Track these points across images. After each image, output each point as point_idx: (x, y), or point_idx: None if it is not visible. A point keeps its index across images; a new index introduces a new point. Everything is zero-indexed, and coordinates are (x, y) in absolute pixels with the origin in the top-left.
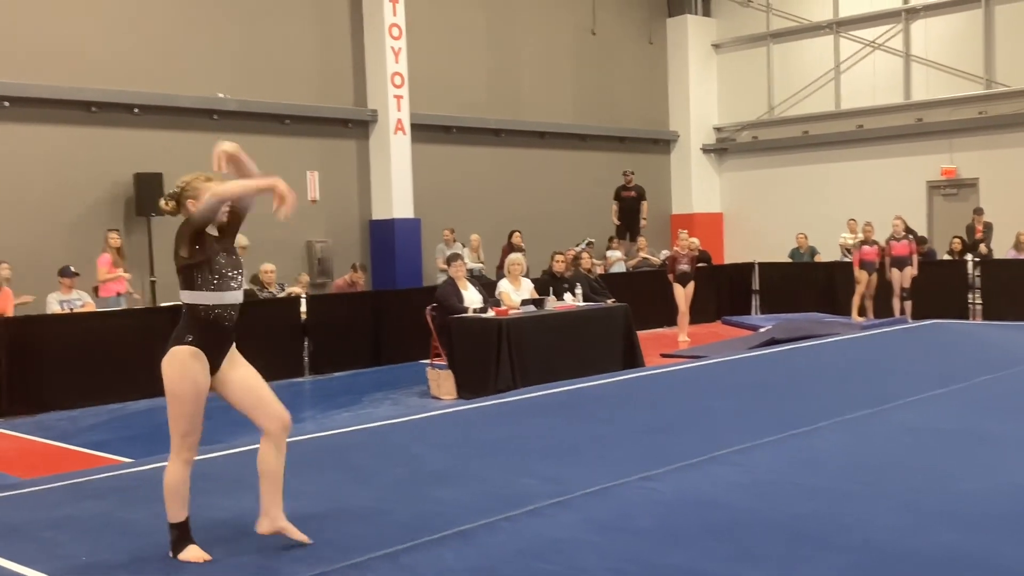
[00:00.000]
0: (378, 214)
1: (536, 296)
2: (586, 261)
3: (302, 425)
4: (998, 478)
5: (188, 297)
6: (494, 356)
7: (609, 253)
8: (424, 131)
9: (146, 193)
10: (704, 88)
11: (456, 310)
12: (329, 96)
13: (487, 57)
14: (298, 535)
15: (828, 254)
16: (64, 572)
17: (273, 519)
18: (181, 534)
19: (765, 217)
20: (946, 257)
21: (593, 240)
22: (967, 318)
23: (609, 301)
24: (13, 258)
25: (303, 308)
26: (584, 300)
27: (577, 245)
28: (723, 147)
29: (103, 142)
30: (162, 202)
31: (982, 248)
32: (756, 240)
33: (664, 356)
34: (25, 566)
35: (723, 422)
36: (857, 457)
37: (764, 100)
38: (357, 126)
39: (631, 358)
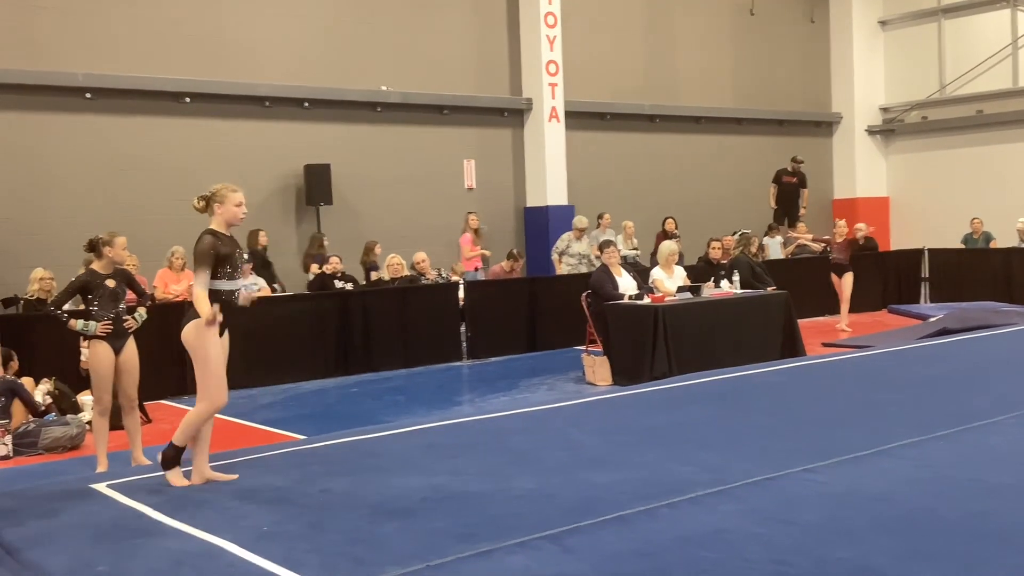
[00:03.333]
0: (532, 201)
1: (690, 283)
2: (754, 244)
3: (460, 408)
4: None
5: (212, 284)
6: (650, 343)
7: (766, 240)
8: (578, 118)
9: (315, 184)
10: (869, 67)
11: (611, 296)
12: (486, 86)
13: (643, 42)
14: (225, 476)
15: (1004, 240)
16: (248, 540)
17: (203, 471)
18: (177, 455)
19: (935, 201)
20: None
21: (748, 231)
22: None
23: (769, 289)
24: (190, 245)
25: (461, 294)
26: (744, 287)
27: (733, 234)
28: (890, 128)
29: (275, 135)
30: (195, 200)
31: None
32: (925, 225)
33: (826, 345)
34: (212, 534)
35: (892, 414)
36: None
37: (934, 78)
38: (512, 114)
39: (791, 347)
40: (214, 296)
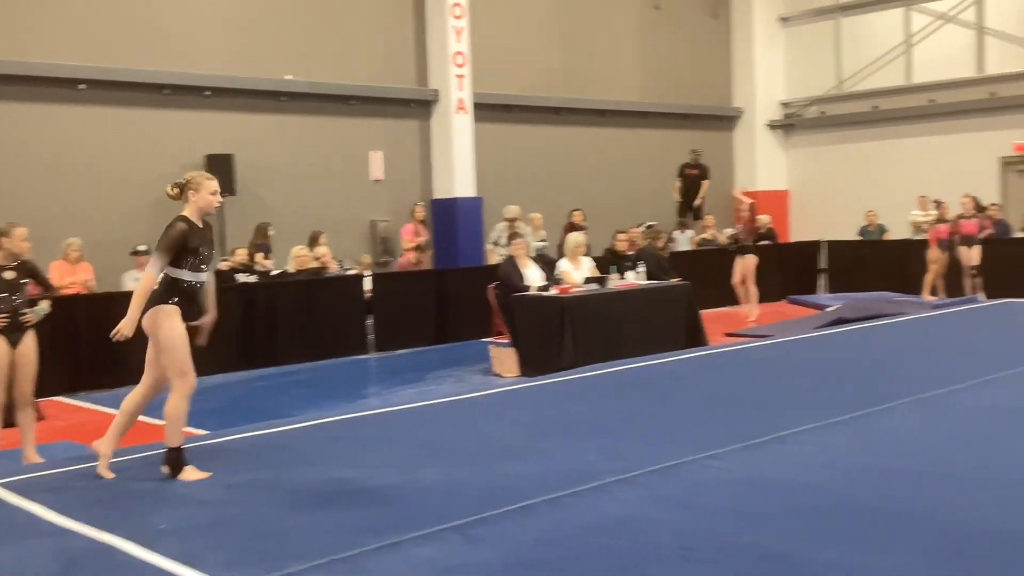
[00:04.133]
0: (440, 193)
1: (598, 275)
2: (661, 239)
3: (367, 401)
4: None
5: (173, 272)
6: (557, 334)
7: (675, 234)
8: (486, 110)
9: (218, 174)
10: (770, 63)
11: (518, 288)
12: (392, 76)
13: (550, 35)
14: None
15: (898, 232)
16: (146, 538)
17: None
18: (181, 457)
19: (833, 194)
20: (1020, 235)
21: (654, 223)
22: None
23: (672, 280)
24: (87, 236)
25: (367, 286)
26: (650, 278)
27: (639, 226)
28: (790, 123)
29: (176, 124)
30: (169, 188)
31: None
32: (823, 218)
33: (729, 335)
34: (109, 532)
35: (790, 402)
36: (931, 437)
37: (832, 74)
38: (419, 106)
39: (694, 337)
40: (174, 285)
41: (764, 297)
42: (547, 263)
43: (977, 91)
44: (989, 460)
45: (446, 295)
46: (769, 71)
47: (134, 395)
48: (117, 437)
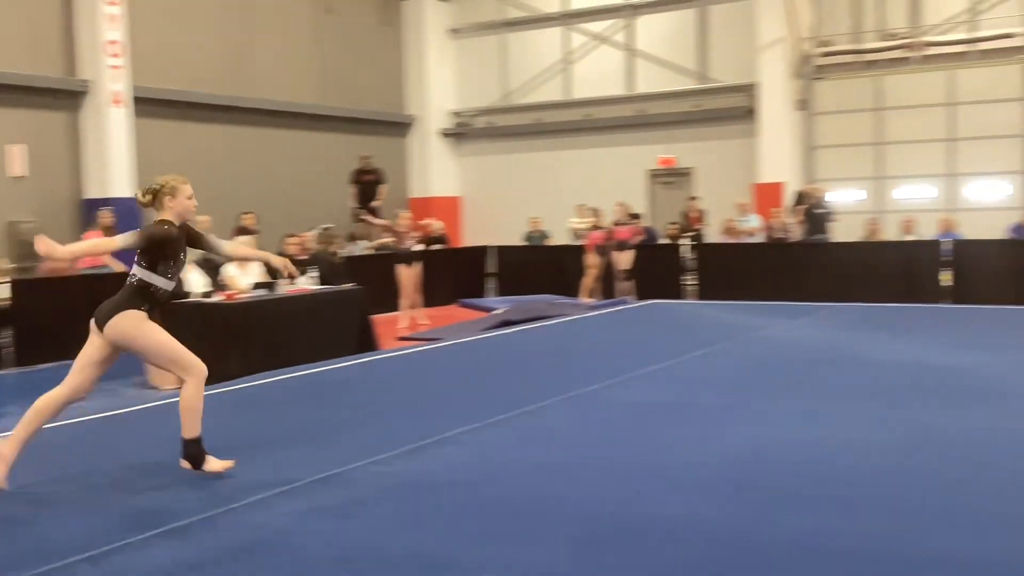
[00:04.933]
0: (93, 192)
1: (267, 279)
2: (335, 243)
3: (4, 422)
4: (713, 446)
5: (147, 277)
6: (221, 342)
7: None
8: (149, 105)
9: None
10: (441, 72)
11: (178, 296)
12: (36, 63)
13: (218, 30)
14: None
15: (560, 237)
16: None
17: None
18: (199, 447)
19: (501, 201)
20: (665, 241)
21: (330, 226)
22: (683, 298)
23: (345, 285)
24: None
25: (4, 294)
26: (323, 283)
27: (311, 230)
28: (461, 132)
29: None
30: (139, 194)
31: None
32: (493, 224)
33: (401, 339)
34: None
35: (455, 403)
36: (584, 433)
37: (500, 87)
38: (68, 97)
39: (366, 342)
40: (146, 291)
41: (437, 300)
42: (212, 268)
43: (628, 108)
44: (635, 453)
45: (99, 302)
46: (440, 81)
47: (52, 395)
48: (25, 441)
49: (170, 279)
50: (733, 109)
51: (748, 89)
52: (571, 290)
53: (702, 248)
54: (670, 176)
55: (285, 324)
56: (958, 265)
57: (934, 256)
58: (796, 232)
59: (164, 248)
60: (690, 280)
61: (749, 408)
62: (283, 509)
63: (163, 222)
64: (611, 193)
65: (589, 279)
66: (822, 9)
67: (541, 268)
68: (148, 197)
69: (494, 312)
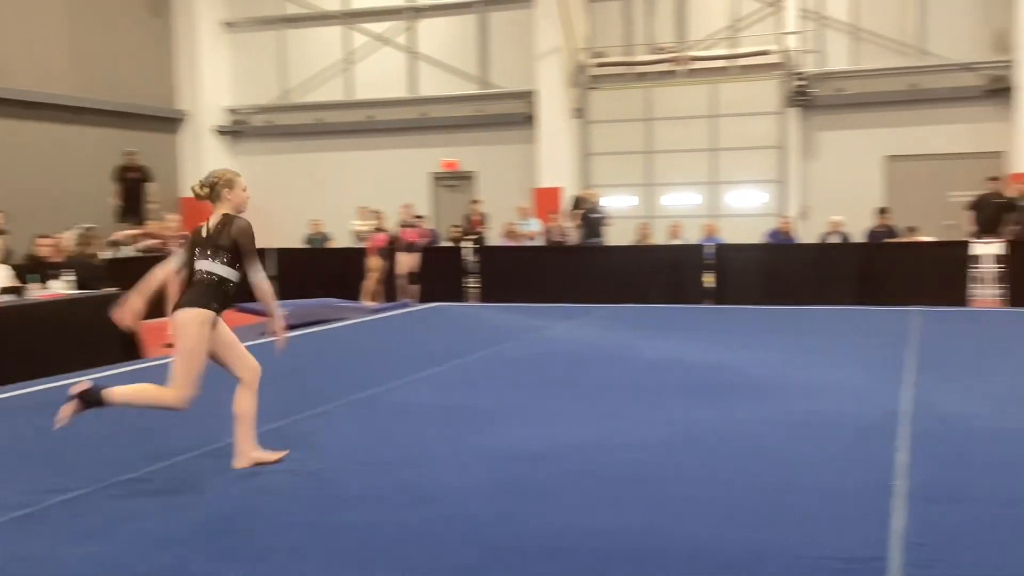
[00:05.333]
0: None
1: (17, 284)
2: (94, 244)
3: None
4: (489, 447)
5: (223, 272)
6: None
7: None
8: None
9: None
10: (215, 67)
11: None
12: None
13: None
14: (273, 455)
15: (343, 240)
16: None
17: (248, 454)
18: (95, 398)
19: (281, 202)
20: (448, 244)
21: (91, 226)
22: (465, 300)
23: (107, 290)
24: None
25: None
26: (81, 287)
27: (69, 230)
28: (237, 130)
29: None
30: (197, 187)
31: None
32: (273, 226)
33: (168, 347)
34: None
35: (221, 413)
36: (361, 436)
37: (278, 84)
38: None
39: (130, 349)
40: (219, 285)
41: None
42: None
43: (411, 111)
44: (405, 454)
45: None
46: (214, 76)
47: (242, 396)
48: (245, 438)
49: (238, 271)
50: (514, 115)
51: (527, 96)
52: (353, 293)
53: (484, 251)
54: (453, 179)
55: (37, 332)
56: (720, 268)
57: (698, 259)
58: (573, 236)
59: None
60: (472, 282)
61: (526, 409)
62: (30, 533)
63: (237, 218)
64: (394, 195)
65: (371, 282)
66: (596, 21)
67: (322, 271)
68: (205, 190)
69: None
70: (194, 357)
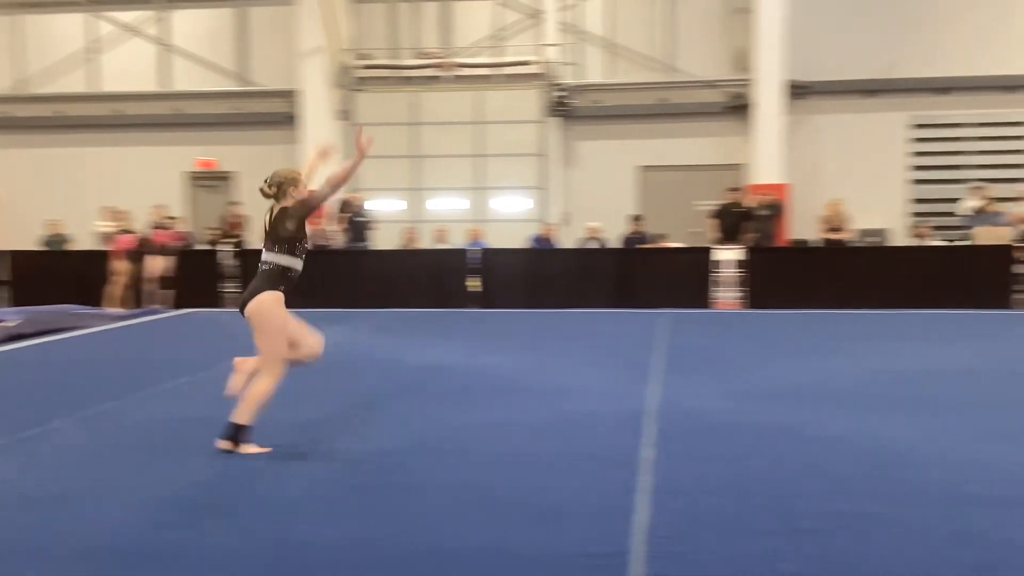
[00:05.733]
0: None
1: None
2: None
3: None
4: (230, 463)
5: (285, 261)
6: None
7: None
8: None
9: None
10: None
11: None
12: None
13: None
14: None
15: (85, 242)
16: None
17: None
18: (243, 434)
19: (14, 201)
20: (205, 246)
21: None
22: (221, 306)
23: None
24: None
25: None
26: None
27: None
28: None
29: None
30: (265, 186)
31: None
32: (8, 226)
33: None
34: None
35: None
36: (87, 454)
37: (12, 73)
38: None
39: None
40: (285, 273)
41: None
42: None
43: (163, 106)
44: (147, 476)
45: None
46: None
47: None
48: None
49: (301, 259)
50: (276, 114)
51: (290, 95)
52: (96, 299)
53: (244, 255)
54: (211, 180)
55: None
56: (485, 272)
57: (462, 264)
58: (339, 239)
59: (302, 232)
60: (230, 288)
61: (279, 421)
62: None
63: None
64: (145, 195)
65: (116, 287)
66: (361, 22)
67: (61, 275)
68: (273, 189)
69: (2, 324)
70: (283, 331)
